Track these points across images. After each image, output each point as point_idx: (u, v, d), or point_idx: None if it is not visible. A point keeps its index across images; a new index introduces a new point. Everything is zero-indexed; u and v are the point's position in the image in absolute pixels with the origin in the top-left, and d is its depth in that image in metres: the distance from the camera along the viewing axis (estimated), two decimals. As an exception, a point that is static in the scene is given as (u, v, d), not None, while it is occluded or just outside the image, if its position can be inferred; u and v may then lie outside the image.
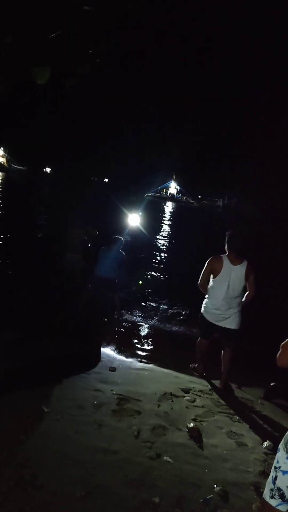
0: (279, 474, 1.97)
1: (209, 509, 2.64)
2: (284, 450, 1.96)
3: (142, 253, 10.19)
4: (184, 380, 4.71)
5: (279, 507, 1.97)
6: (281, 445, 2.00)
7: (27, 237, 13.55)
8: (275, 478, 1.99)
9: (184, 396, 4.21)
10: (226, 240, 4.48)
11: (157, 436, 3.38)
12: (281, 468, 1.96)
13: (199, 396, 4.31)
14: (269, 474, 2.07)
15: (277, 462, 1.99)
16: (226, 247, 4.50)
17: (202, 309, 4.71)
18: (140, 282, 7.03)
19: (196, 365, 5.02)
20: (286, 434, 2.01)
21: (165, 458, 3.09)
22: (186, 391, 4.35)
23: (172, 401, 4.06)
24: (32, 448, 2.96)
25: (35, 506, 2.45)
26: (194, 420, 3.74)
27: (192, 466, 3.06)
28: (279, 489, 1.97)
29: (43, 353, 4.71)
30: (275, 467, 2.00)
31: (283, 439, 2.01)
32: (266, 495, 2.03)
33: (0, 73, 2.98)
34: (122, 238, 7.14)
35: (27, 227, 16.09)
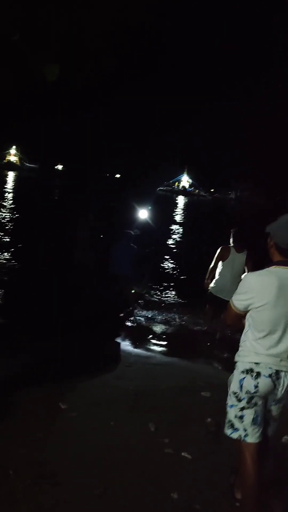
0: (228, 408, 2.45)
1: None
2: (228, 388, 2.48)
3: (152, 247, 10.17)
4: (201, 374, 4.68)
5: (232, 435, 2.40)
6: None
7: (40, 237, 13.62)
8: (227, 412, 2.46)
9: (201, 391, 4.17)
10: (231, 235, 5.79)
11: (175, 432, 3.36)
12: (228, 404, 2.44)
13: (216, 390, 4.27)
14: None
15: (227, 400, 2.47)
16: (231, 240, 5.78)
17: (212, 285, 5.81)
18: (133, 291, 7.01)
19: (205, 327, 6.24)
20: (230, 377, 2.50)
21: (183, 454, 3.07)
22: (203, 385, 4.31)
23: (189, 395, 4.03)
24: (49, 446, 2.97)
25: (53, 503, 2.45)
26: (211, 415, 3.70)
27: (211, 462, 3.03)
28: (229, 421, 2.43)
29: (58, 349, 4.73)
30: (226, 404, 2.47)
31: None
32: (227, 432, 2.45)
33: (8, 70, 2.98)
34: (132, 232, 7.10)
35: (40, 226, 16.18)
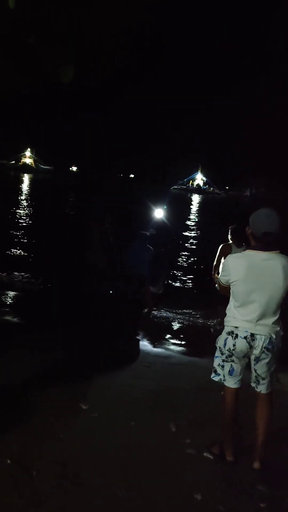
0: (214, 358, 3.03)
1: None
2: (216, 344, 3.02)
3: (167, 246, 10.20)
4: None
5: (215, 378, 3.03)
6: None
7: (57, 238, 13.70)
8: (214, 361, 3.04)
9: (221, 390, 4.13)
10: (229, 232, 6.14)
11: (195, 432, 3.34)
12: (215, 355, 3.01)
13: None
14: None
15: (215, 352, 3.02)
16: (230, 237, 6.16)
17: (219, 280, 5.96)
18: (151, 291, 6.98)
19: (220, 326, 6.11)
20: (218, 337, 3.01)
21: (205, 454, 3.05)
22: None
23: (209, 395, 3.99)
24: (71, 446, 2.98)
25: (77, 504, 2.45)
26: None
27: (234, 464, 2.99)
28: (214, 368, 3.03)
29: (77, 350, 4.76)
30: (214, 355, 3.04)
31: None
32: (212, 376, 3.06)
33: (24, 74, 3.00)
34: (147, 233, 7.10)
35: (53, 229, 16.30)
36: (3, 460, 2.73)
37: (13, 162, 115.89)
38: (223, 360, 2.95)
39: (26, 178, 70.53)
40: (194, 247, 17.52)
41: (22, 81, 3.05)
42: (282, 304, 2.81)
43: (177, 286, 9.81)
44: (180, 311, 7.53)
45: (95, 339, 5.15)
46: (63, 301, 6.99)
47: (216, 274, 6.12)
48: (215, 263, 6.21)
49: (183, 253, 15.40)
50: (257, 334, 2.80)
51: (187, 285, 9.87)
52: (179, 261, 13.27)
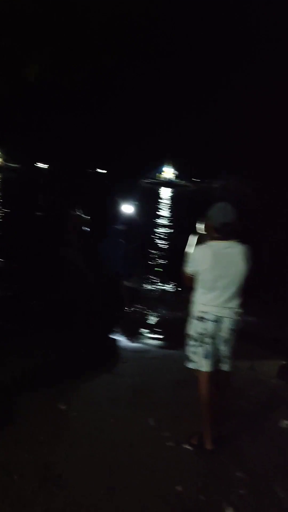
0: (186, 347, 3.17)
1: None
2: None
3: (140, 241, 10.21)
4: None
5: (190, 366, 3.15)
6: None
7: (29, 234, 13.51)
8: (186, 350, 3.19)
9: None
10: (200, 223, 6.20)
11: (175, 425, 3.39)
12: (187, 344, 3.15)
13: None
14: None
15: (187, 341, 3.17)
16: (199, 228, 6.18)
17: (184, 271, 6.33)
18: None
19: None
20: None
21: (184, 446, 3.11)
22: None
23: (187, 388, 4.06)
24: (53, 448, 2.97)
25: (61, 505, 2.46)
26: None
27: (214, 453, 3.06)
28: (187, 356, 3.15)
29: (53, 350, 4.73)
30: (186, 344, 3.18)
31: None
32: (187, 364, 3.19)
33: (2, 75, 2.93)
34: (118, 227, 7.10)
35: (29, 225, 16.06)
36: (-17, 466, 2.71)
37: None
38: (196, 346, 3.10)
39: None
40: (167, 239, 17.63)
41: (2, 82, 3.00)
42: (241, 288, 3.08)
43: (151, 279, 9.86)
44: (155, 304, 7.60)
45: (71, 338, 5.13)
46: (36, 300, 6.93)
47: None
48: (186, 251, 6.38)
49: (156, 246, 15.49)
50: (224, 317, 3.04)
51: (160, 278, 9.93)
52: (152, 255, 13.34)
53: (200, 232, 6.45)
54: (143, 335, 5.95)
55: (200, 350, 3.08)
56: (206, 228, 3.22)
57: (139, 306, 7.38)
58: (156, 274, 10.41)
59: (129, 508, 2.49)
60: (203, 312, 3.07)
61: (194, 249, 3.21)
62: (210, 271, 3.02)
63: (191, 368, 3.17)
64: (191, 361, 3.16)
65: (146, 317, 6.89)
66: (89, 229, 7.45)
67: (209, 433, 3.09)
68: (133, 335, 5.83)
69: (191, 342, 3.14)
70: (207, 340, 3.06)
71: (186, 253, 6.53)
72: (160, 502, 2.55)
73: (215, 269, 3.01)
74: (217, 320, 3.05)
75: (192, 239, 6.43)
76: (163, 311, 7.30)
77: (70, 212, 7.56)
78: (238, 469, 2.91)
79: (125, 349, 5.22)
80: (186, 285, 3.31)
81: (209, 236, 3.17)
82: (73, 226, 7.38)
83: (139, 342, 5.57)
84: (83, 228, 7.40)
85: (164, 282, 9.56)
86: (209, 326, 3.05)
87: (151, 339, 5.82)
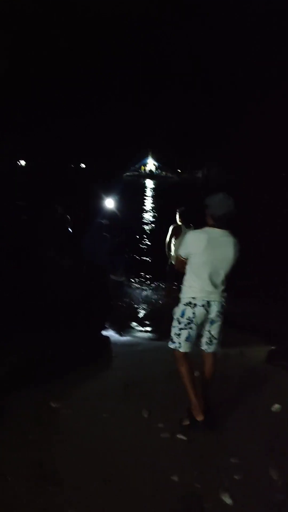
0: (171, 329, 3.33)
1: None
2: (173, 315, 3.33)
3: (123, 234, 10.16)
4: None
5: (171, 346, 3.32)
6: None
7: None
8: (171, 331, 3.34)
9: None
10: (178, 214, 6.68)
11: (168, 416, 3.40)
12: (172, 325, 3.33)
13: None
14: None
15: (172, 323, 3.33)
16: (178, 219, 6.67)
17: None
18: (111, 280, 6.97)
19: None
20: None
21: (178, 436, 3.12)
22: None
23: (179, 378, 4.07)
24: (45, 446, 2.95)
25: (57, 502, 2.45)
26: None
27: (207, 441, 3.09)
28: (171, 337, 3.33)
29: (42, 347, 4.69)
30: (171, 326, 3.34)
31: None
32: (169, 344, 3.35)
33: None
34: (102, 221, 7.05)
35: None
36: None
37: None
38: (180, 329, 3.26)
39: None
40: (152, 231, 17.62)
41: None
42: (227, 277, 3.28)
43: (137, 271, 9.83)
44: (142, 297, 7.59)
45: (59, 336, 5.09)
46: (22, 298, 6.85)
47: (169, 252, 6.80)
48: (167, 241, 6.79)
49: (141, 238, 15.46)
50: (212, 301, 3.23)
51: (145, 270, 9.92)
52: (137, 247, 13.32)
53: (177, 222, 6.69)
54: (133, 328, 5.95)
55: (183, 332, 3.25)
56: (206, 216, 3.29)
57: (126, 300, 7.37)
58: (142, 267, 10.40)
59: (126, 500, 2.50)
60: (192, 297, 3.22)
61: (189, 233, 3.34)
62: (202, 254, 3.17)
63: (171, 348, 3.34)
64: (172, 341, 3.32)
65: (134, 311, 6.88)
66: (70, 226, 7.39)
67: (197, 405, 3.24)
68: (122, 329, 5.82)
69: (177, 325, 3.29)
70: (193, 324, 3.23)
71: (166, 242, 6.71)
72: (157, 493, 2.56)
73: (207, 253, 3.16)
74: (206, 305, 3.22)
75: (171, 229, 6.63)
76: (151, 304, 7.30)
77: (49, 209, 7.50)
78: (233, 455, 2.93)
79: (115, 344, 5.21)
80: (179, 270, 3.45)
81: (207, 222, 3.29)
82: (53, 223, 7.32)
83: (129, 336, 5.57)
84: (64, 225, 7.34)
85: (149, 274, 9.55)
86: (198, 311, 3.21)
87: (140, 332, 5.82)
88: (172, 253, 6.73)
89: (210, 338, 3.33)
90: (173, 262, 6.55)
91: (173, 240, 6.71)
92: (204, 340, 3.36)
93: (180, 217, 6.69)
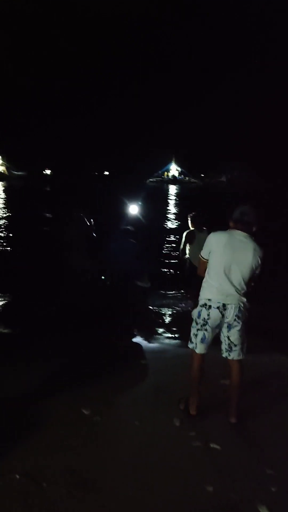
0: (191, 329, 3.44)
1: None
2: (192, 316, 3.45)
3: (147, 240, 10.14)
4: (216, 362, 4.62)
5: (189, 346, 3.46)
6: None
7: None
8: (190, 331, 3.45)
9: (219, 379, 4.15)
10: (189, 219, 6.74)
11: (200, 424, 3.36)
12: (191, 326, 3.43)
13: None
14: None
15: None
16: (190, 224, 6.69)
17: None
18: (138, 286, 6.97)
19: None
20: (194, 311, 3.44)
21: (211, 445, 3.07)
22: (220, 373, 4.28)
23: (209, 385, 4.01)
24: (78, 453, 2.95)
25: (90, 510, 2.44)
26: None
27: (241, 450, 3.02)
28: (190, 337, 3.45)
29: (72, 354, 4.71)
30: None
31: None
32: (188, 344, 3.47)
33: None
34: (128, 227, 7.07)
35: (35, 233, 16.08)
36: (11, 476, 2.69)
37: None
38: (197, 329, 3.35)
39: (-1, 186, 69.55)
40: (176, 237, 17.55)
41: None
42: (249, 283, 3.30)
43: (163, 278, 9.80)
44: (168, 303, 7.54)
45: (89, 342, 5.11)
46: (50, 304, 6.92)
47: (184, 256, 6.86)
48: (181, 247, 6.86)
49: (165, 244, 15.42)
50: (228, 304, 3.25)
51: (172, 276, 9.88)
52: (162, 253, 13.29)
53: (190, 227, 6.72)
54: (160, 334, 5.90)
55: (199, 333, 3.34)
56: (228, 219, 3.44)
57: (153, 306, 7.34)
58: (167, 272, 10.36)
59: (161, 510, 2.46)
60: (207, 299, 3.30)
61: (211, 234, 3.43)
62: (220, 254, 3.26)
63: (189, 348, 3.46)
64: (191, 341, 3.43)
65: (161, 317, 6.85)
66: (94, 231, 7.45)
67: (195, 402, 3.46)
68: (150, 335, 5.79)
69: (194, 326, 3.40)
70: (208, 326, 3.30)
71: (181, 248, 6.87)
72: (192, 503, 2.52)
73: (225, 253, 3.24)
74: (222, 307, 3.26)
75: (184, 235, 6.68)
76: (177, 309, 7.25)
77: (73, 215, 7.57)
78: (268, 466, 2.86)
79: (144, 350, 5.18)
80: (201, 273, 3.51)
81: (229, 226, 3.40)
82: (77, 228, 7.38)
83: (156, 342, 5.53)
84: (88, 230, 7.39)
85: (175, 279, 9.49)
86: (213, 313, 3.28)
87: (168, 338, 5.76)
88: (188, 255, 6.78)
89: (229, 344, 3.34)
90: (187, 265, 6.77)
91: (187, 246, 6.76)
92: (224, 346, 3.39)
93: (191, 222, 6.74)
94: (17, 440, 3.08)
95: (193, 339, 3.41)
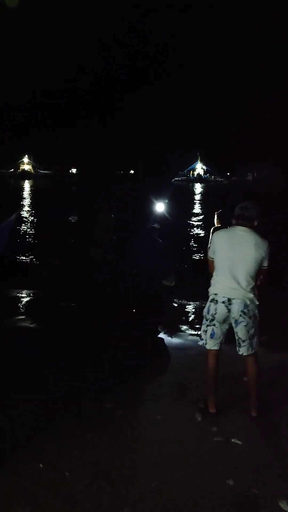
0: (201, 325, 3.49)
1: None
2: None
3: (173, 238, 10.15)
4: (240, 359, 4.63)
5: (200, 343, 3.54)
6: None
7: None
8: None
9: (243, 376, 4.13)
10: (215, 217, 6.48)
11: (221, 420, 3.36)
12: (202, 323, 3.48)
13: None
14: None
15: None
16: (216, 221, 6.41)
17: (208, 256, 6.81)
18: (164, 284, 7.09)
19: None
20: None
21: (233, 440, 3.07)
22: (244, 370, 4.26)
23: (232, 382, 4.01)
24: (101, 445, 3.02)
25: (111, 500, 2.49)
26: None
27: (262, 445, 3.02)
28: (200, 334, 3.52)
29: (98, 349, 4.79)
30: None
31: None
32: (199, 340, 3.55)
33: (17, 83, 3.00)
34: (154, 225, 7.10)
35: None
36: (36, 464, 2.78)
37: (12, 170, 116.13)
38: (207, 325, 3.40)
39: (26, 186, 70.70)
40: (201, 235, 17.49)
41: (15, 90, 3.06)
42: (256, 277, 3.32)
43: (187, 276, 9.79)
44: (193, 300, 7.53)
45: (113, 336, 5.18)
46: (76, 299, 7.04)
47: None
48: (209, 246, 6.62)
49: (190, 243, 15.40)
50: (233, 299, 3.28)
51: (197, 274, 9.86)
52: (187, 251, 13.27)
53: (216, 225, 6.79)
54: (184, 331, 5.91)
55: (208, 329, 3.39)
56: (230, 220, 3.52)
57: (177, 304, 7.35)
58: (192, 270, 10.35)
59: (180, 503, 2.49)
60: (214, 294, 3.36)
61: (214, 233, 3.58)
62: (222, 250, 3.34)
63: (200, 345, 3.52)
64: (201, 338, 3.48)
65: (185, 313, 6.86)
66: (115, 226, 7.57)
67: (213, 399, 3.45)
68: (174, 331, 5.81)
69: (204, 322, 3.45)
70: (216, 321, 3.34)
71: (208, 246, 6.95)
72: (212, 497, 2.53)
73: (226, 249, 3.31)
74: (227, 302, 3.30)
75: (211, 232, 6.78)
76: (201, 307, 7.23)
77: (99, 213, 7.69)
78: (289, 462, 2.84)
79: (167, 346, 5.21)
80: (210, 272, 3.57)
81: (229, 224, 3.52)
82: (102, 226, 7.49)
83: (180, 339, 5.54)
84: (112, 228, 7.51)
85: (200, 276, 9.49)
86: (220, 307, 3.32)
87: (192, 335, 5.76)
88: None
89: (238, 340, 3.36)
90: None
91: None
92: (236, 342, 3.40)
93: (218, 219, 6.70)
94: (40, 432, 3.16)
95: (203, 335, 3.46)
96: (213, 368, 3.46)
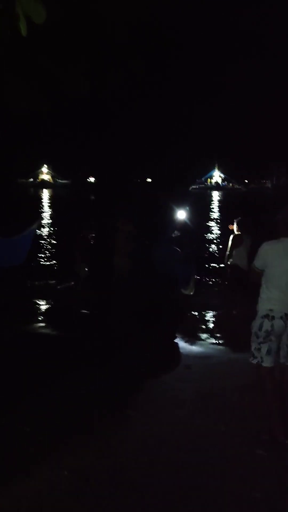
0: (251, 344, 3.24)
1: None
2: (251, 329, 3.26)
3: (193, 246, 10.13)
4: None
5: (253, 361, 3.22)
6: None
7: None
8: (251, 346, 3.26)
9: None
10: (235, 224, 6.84)
11: (245, 430, 3.32)
12: (251, 340, 3.24)
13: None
14: None
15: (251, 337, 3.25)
16: (235, 228, 6.83)
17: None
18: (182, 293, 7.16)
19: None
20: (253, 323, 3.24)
21: (257, 451, 3.03)
22: None
23: (255, 391, 3.95)
24: (123, 452, 3.02)
25: (135, 507, 2.48)
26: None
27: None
28: (251, 352, 3.24)
29: (119, 357, 4.80)
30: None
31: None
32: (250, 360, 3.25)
33: (43, 93, 3.06)
34: (173, 234, 7.13)
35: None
36: (61, 472, 2.79)
37: (31, 179, 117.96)
38: (260, 343, 3.18)
39: (45, 195, 71.65)
40: (220, 243, 17.40)
41: (41, 101, 3.12)
42: None
43: (207, 284, 9.76)
44: (213, 309, 7.49)
45: (132, 344, 5.18)
46: (98, 307, 7.09)
47: (228, 261, 6.91)
48: (227, 253, 6.94)
49: (209, 251, 15.35)
50: None
51: (216, 283, 9.81)
52: (206, 260, 13.21)
53: (235, 232, 6.76)
54: (204, 340, 5.88)
55: (263, 346, 3.16)
56: (278, 225, 3.29)
57: (197, 312, 7.32)
58: (211, 277, 10.31)
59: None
60: (269, 310, 3.15)
61: (264, 245, 3.29)
62: (278, 265, 3.16)
63: (254, 364, 3.24)
64: (254, 356, 3.23)
65: (205, 322, 6.82)
66: (136, 236, 7.64)
67: (281, 426, 3.10)
68: (194, 340, 5.79)
69: (255, 339, 3.21)
70: (273, 336, 3.15)
71: (227, 253, 6.91)
72: (236, 509, 2.50)
73: (283, 264, 3.14)
74: (285, 317, 3.13)
75: (231, 239, 6.77)
76: (221, 315, 7.19)
77: (118, 221, 7.77)
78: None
79: (188, 355, 5.19)
80: (253, 281, 3.41)
81: (281, 232, 3.27)
82: (122, 234, 7.57)
83: (200, 347, 5.52)
84: (132, 236, 7.58)
85: (219, 285, 9.43)
86: (277, 323, 3.13)
87: (212, 344, 5.73)
88: (232, 261, 6.83)
89: (286, 352, 3.20)
90: (233, 270, 6.81)
91: (234, 250, 6.82)
92: (282, 353, 3.22)
93: (237, 226, 6.85)
94: (65, 440, 3.18)
95: (256, 353, 3.21)
96: (273, 388, 3.20)
